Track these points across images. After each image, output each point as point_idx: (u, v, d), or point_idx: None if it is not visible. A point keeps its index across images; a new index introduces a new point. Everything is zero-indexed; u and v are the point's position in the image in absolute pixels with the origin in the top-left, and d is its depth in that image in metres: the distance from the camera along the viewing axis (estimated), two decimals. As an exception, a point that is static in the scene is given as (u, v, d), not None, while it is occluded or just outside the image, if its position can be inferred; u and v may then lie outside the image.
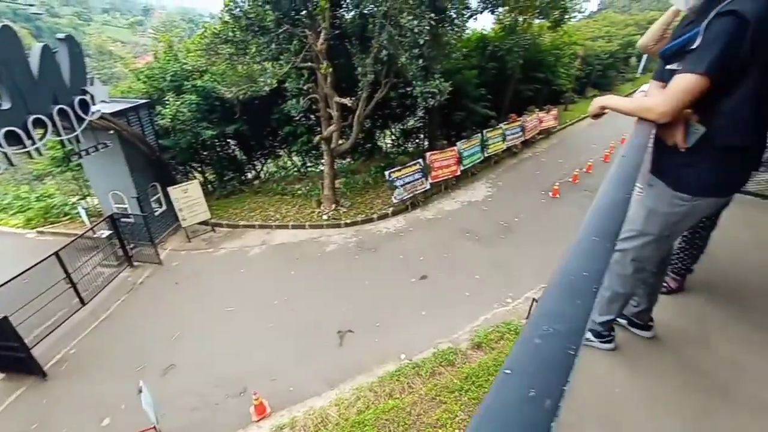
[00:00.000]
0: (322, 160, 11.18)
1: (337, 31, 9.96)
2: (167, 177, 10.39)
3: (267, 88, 8.58)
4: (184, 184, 10.02)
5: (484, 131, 12.60)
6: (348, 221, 10.33)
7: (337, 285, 7.98)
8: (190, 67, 11.13)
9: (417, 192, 10.83)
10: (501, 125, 13.38)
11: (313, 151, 13.48)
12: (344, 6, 10.56)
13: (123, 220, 8.88)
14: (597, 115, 1.52)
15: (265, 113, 12.38)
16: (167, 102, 10.11)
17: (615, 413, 1.61)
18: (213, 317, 7.28)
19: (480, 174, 12.96)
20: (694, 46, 1.17)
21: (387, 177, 10.24)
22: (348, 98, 9.06)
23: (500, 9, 15.04)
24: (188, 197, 9.83)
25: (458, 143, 11.72)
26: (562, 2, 14.63)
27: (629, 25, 27.82)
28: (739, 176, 1.36)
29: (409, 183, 10.58)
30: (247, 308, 7.47)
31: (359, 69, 8.95)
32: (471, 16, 13.67)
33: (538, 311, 0.43)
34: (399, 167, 10.52)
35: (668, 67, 1.30)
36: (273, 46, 8.63)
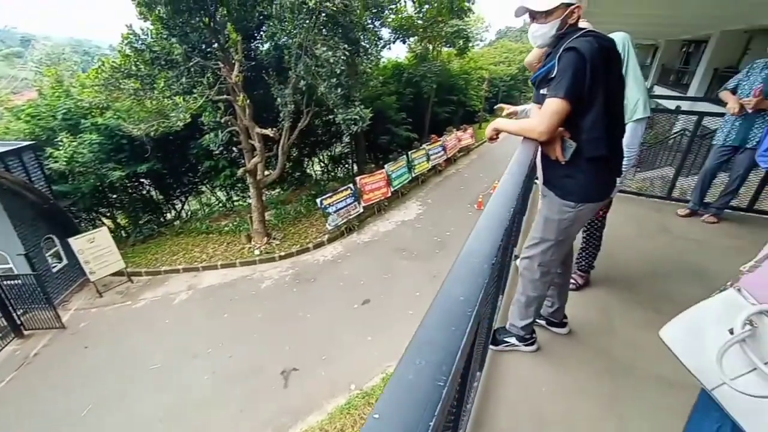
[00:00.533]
0: (249, 194, 10.73)
1: (252, 63, 9.83)
2: (67, 227, 9.15)
3: (180, 124, 8.09)
4: (89, 232, 8.88)
5: (409, 152, 13.19)
6: (282, 254, 9.95)
7: (277, 322, 7.56)
8: (87, 104, 10.11)
9: (351, 216, 10.85)
10: (424, 146, 14.12)
11: (239, 185, 12.91)
12: (258, 38, 10.52)
13: (7, 282, 7.54)
14: (492, 138, 1.68)
15: (182, 149, 11.63)
16: (60, 143, 9.01)
17: (544, 410, 1.71)
18: (136, 379, 6.40)
19: (410, 193, 13.44)
20: (553, 75, 1.37)
21: (319, 204, 10.14)
22: (270, 129, 8.90)
23: (411, 39, 16.17)
24: (96, 247, 8.71)
25: (386, 166, 12.08)
26: (465, 32, 16.18)
27: (523, 52, 31.64)
28: (608, 182, 1.59)
29: (342, 208, 10.57)
30: (177, 362, 6.71)
31: (279, 100, 8.88)
32: (384, 46, 14.49)
33: (413, 344, 0.44)
34: (330, 194, 10.49)
35: (541, 91, 1.49)
36: (184, 79, 8.23)
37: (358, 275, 8.85)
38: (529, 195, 1.94)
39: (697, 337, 0.83)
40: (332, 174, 15.72)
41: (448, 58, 18.15)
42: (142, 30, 8.05)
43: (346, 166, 16.04)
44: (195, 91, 8.46)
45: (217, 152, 10.81)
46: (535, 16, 1.45)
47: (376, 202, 11.79)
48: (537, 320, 2.07)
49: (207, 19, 8.27)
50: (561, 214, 1.59)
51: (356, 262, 9.47)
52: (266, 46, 10.81)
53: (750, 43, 12.17)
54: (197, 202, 14.23)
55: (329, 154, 15.48)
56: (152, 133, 8.43)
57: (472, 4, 15.40)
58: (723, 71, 11.89)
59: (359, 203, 11.04)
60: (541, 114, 1.41)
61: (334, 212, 10.33)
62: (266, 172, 10.58)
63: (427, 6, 14.93)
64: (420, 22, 15.07)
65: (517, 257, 2.02)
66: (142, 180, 12.03)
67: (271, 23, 8.90)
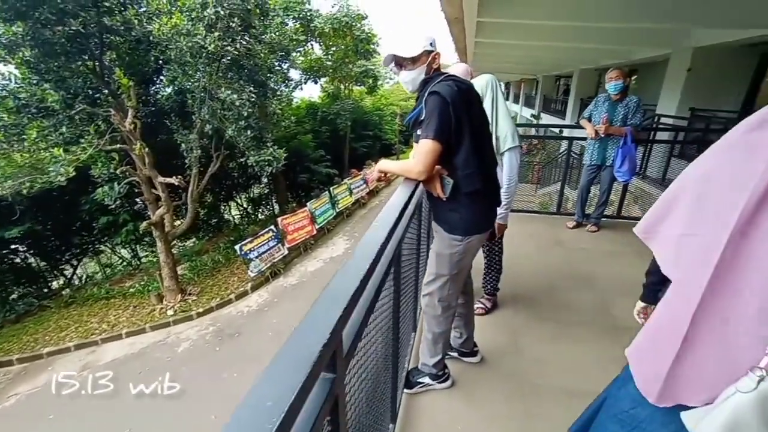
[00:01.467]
0: (158, 248, 9.68)
1: (152, 108, 9.19)
2: None
3: (62, 178, 7.10)
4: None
5: (331, 188, 13.19)
6: (200, 310, 9.01)
7: (199, 390, 6.68)
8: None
9: (275, 260, 10.34)
10: (345, 180, 14.27)
11: (146, 239, 11.62)
12: (159, 82, 9.93)
13: None
14: (380, 179, 1.71)
15: (71, 205, 10.19)
16: None
17: (463, 449, 1.68)
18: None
19: (336, 229, 13.32)
20: (422, 117, 1.44)
21: (239, 251, 9.50)
22: (175, 177, 8.24)
23: (323, 79, 16.63)
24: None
25: (308, 204, 11.89)
26: (373, 72, 17.14)
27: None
28: (489, 213, 1.69)
29: (264, 252, 10.03)
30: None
31: (183, 145, 8.34)
32: (296, 87, 14.66)
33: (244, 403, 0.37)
34: (250, 238, 9.92)
35: (417, 132, 1.56)
36: (64, 129, 7.32)
37: (289, 322, 8.33)
38: (423, 231, 1.98)
39: None
40: (253, 217, 15.01)
41: (360, 96, 19.00)
42: (3, 75, 7.07)
43: (268, 207, 15.47)
44: (82, 141, 7.55)
45: (113, 206, 9.67)
46: (403, 63, 1.54)
47: (302, 242, 11.44)
48: (449, 353, 2.09)
49: (91, 63, 7.58)
50: (451, 249, 1.64)
51: (285, 309, 8.95)
52: (168, 90, 10.23)
53: (601, 78, 14.82)
54: (96, 263, 12.43)
55: (248, 196, 14.82)
56: (25, 191, 7.24)
57: (377, 46, 16.48)
58: (586, 100, 14.26)
59: (283, 245, 10.60)
60: (417, 155, 1.48)
61: (256, 257, 9.76)
62: (177, 222, 9.70)
63: (334, 48, 15.61)
64: (329, 63, 15.65)
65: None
66: (13, 246, 10.17)
67: (171, 68, 8.48)
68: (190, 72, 8.06)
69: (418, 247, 2.02)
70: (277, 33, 10.02)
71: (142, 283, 10.20)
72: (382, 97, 21.47)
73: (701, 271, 0.76)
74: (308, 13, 12.74)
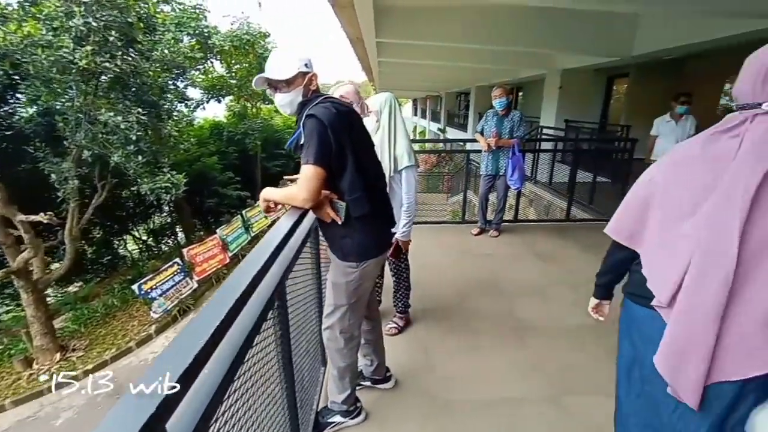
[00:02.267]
0: (23, 301, 7.98)
1: (7, 132, 7.68)
2: None
3: None
4: None
5: (244, 211, 12.38)
6: (90, 367, 7.61)
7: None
8: None
9: (184, 295, 9.26)
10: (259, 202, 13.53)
11: (6, 291, 9.56)
12: (13, 101, 8.37)
13: None
14: (269, 210, 1.56)
15: None
16: None
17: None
18: None
19: (253, 254, 12.48)
20: (302, 142, 1.34)
21: (137, 291, 8.29)
22: (44, 213, 6.94)
23: (227, 98, 15.74)
24: None
25: (218, 230, 10.97)
26: (281, 91, 16.73)
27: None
28: (383, 235, 1.64)
29: (170, 289, 8.92)
30: None
31: (54, 176, 7.10)
32: (197, 107, 13.63)
33: None
34: (152, 275, 8.75)
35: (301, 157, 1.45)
36: None
37: (201, 365, 7.45)
38: (317, 260, 1.86)
39: None
40: (155, 250, 13.36)
41: (270, 115, 18.38)
42: None
43: (172, 238, 13.94)
44: None
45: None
46: (278, 86, 1.43)
47: (214, 272, 10.45)
48: (361, 383, 1.98)
49: None
50: (346, 277, 1.55)
51: (196, 350, 8.00)
52: (30, 111, 8.68)
53: (459, 98, 16.57)
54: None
55: (147, 227, 13.18)
56: None
57: (283, 64, 16.10)
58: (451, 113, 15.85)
59: (192, 278, 9.57)
60: (300, 181, 1.37)
61: (160, 296, 8.62)
62: (55, 265, 8.15)
63: (237, 66, 14.91)
64: (233, 81, 14.89)
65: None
66: None
67: (32, 84, 7.20)
68: (58, 90, 6.95)
69: (319, 278, 1.89)
70: (169, 50, 9.21)
71: (0, 347, 8.30)
72: (293, 114, 21.12)
73: (720, 266, 0.86)
74: (205, 30, 11.97)
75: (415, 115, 36.96)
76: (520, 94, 14.84)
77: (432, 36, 5.93)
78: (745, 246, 0.84)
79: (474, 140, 4.15)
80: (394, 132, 2.22)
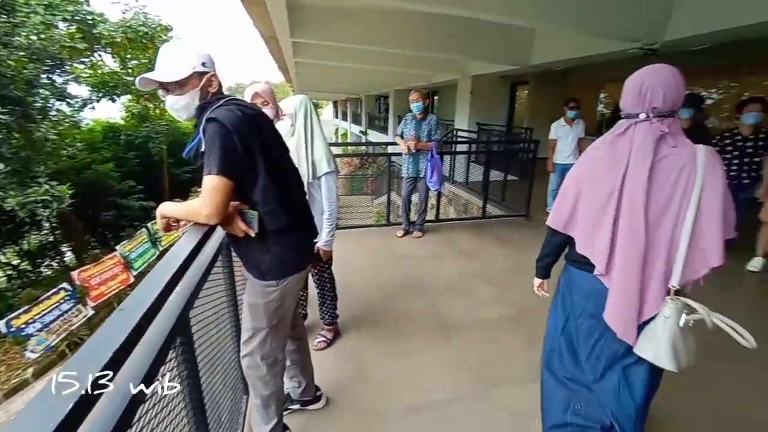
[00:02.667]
0: None
1: None
2: None
3: None
4: None
5: (149, 224, 11.03)
6: (-59, 430, 6.07)
7: None
8: None
9: (74, 327, 7.90)
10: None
11: None
12: None
13: None
14: (169, 228, 1.36)
15: None
16: None
17: None
18: None
19: (162, 271, 11.19)
20: (203, 149, 1.18)
21: (4, 329, 6.85)
22: None
23: (124, 97, 13.96)
24: None
25: (118, 247, 9.61)
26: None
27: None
28: (305, 247, 1.53)
29: (54, 321, 7.54)
30: None
31: None
32: (84, 106, 11.84)
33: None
34: (26, 307, 7.31)
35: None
36: None
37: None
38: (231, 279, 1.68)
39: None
40: (32, 276, 11.22)
41: (177, 116, 16.74)
42: None
43: (58, 259, 11.85)
44: None
45: None
46: (168, 88, 1.24)
47: (115, 295, 9.12)
48: (289, 407, 1.84)
49: None
50: (265, 297, 1.40)
51: (95, 388, 6.88)
52: None
53: (379, 101, 17.21)
54: None
55: (19, 250, 11.01)
56: None
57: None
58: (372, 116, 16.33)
59: (85, 304, 8.22)
60: (203, 194, 1.19)
61: (40, 331, 7.24)
62: None
63: (135, 62, 13.26)
64: (130, 78, 13.20)
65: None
66: None
67: None
68: None
69: (234, 300, 1.70)
70: (38, 36, 7.77)
71: None
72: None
73: (635, 241, 1.18)
74: (88, 16, 10.39)
75: (336, 117, 36.82)
76: (436, 97, 15.60)
77: (348, 38, 5.90)
78: (647, 221, 1.17)
79: (395, 143, 4.20)
80: (311, 136, 2.10)
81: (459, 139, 9.07)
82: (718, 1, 3.78)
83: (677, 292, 1.17)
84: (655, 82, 1.18)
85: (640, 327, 1.23)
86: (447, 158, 7.36)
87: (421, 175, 4.07)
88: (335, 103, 38.28)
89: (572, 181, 1.33)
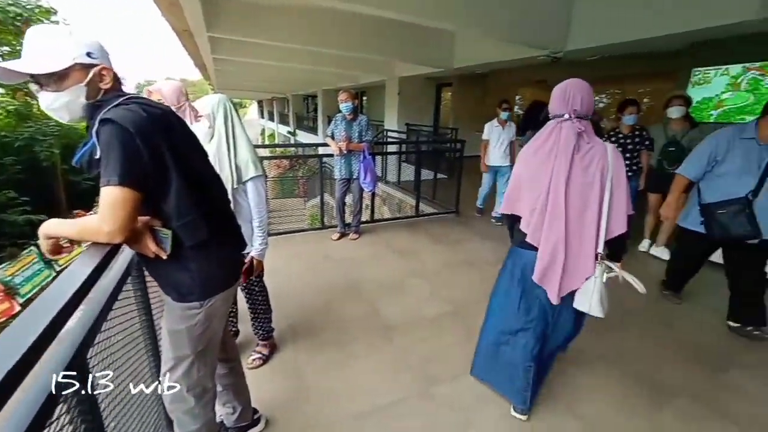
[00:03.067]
0: None
1: None
2: None
3: None
4: None
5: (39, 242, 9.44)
6: None
7: None
8: None
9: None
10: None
11: None
12: None
13: None
14: (58, 250, 1.13)
15: None
16: None
17: None
18: None
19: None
20: (98, 156, 0.99)
21: None
22: None
23: (-5, 91, 11.82)
24: None
25: (-3, 271, 8.08)
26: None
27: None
28: (232, 260, 1.38)
29: None
30: None
31: None
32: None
33: None
34: None
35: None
36: None
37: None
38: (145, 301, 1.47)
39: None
40: None
41: (71, 114, 14.58)
42: None
43: None
44: None
45: None
46: (41, 82, 1.02)
47: (-4, 329, 7.66)
48: (224, 439, 1.67)
49: None
50: (187, 321, 1.24)
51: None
52: None
53: (306, 101, 17.16)
54: None
55: None
56: None
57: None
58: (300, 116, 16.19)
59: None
60: (101, 209, 1.01)
61: None
62: None
63: (6, 48, 11.24)
64: (2, 69, 11.14)
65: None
66: None
67: None
68: None
69: (151, 328, 1.48)
70: None
71: None
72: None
73: (556, 225, 1.50)
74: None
75: (262, 117, 35.24)
76: (365, 98, 15.69)
77: (272, 35, 5.62)
78: (570, 207, 1.49)
79: (326, 144, 4.10)
80: (233, 139, 1.93)
81: (389, 140, 9.21)
82: (601, 21, 4.43)
83: (601, 257, 1.52)
84: (575, 89, 1.50)
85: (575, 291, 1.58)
86: (379, 159, 7.43)
87: (354, 177, 4.03)
88: (260, 103, 36.61)
89: (515, 176, 1.65)
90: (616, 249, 1.61)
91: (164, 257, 1.15)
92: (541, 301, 1.67)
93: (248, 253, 1.97)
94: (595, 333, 2.37)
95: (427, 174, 5.93)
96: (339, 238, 4.27)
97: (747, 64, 4.71)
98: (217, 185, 1.34)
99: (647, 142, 3.71)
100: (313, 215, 10.47)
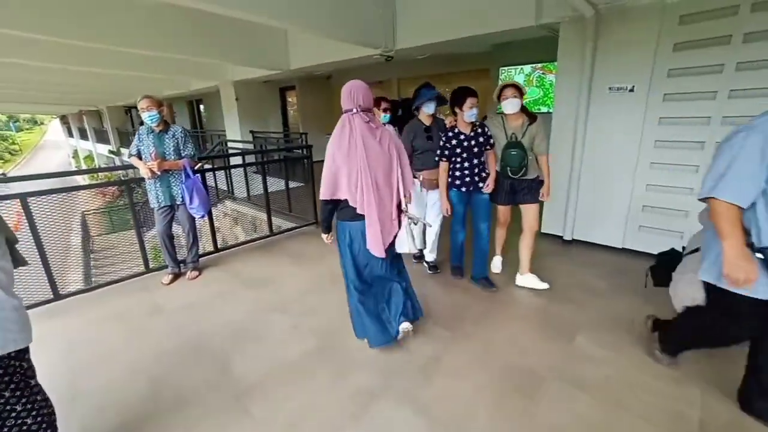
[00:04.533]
0: None
1: None
2: None
3: None
4: None
5: None
6: None
7: None
8: None
9: None
10: None
11: None
12: None
13: None
14: None
15: None
16: None
17: None
18: None
19: None
20: None
21: None
22: None
23: None
24: None
25: None
26: None
27: None
28: None
29: None
30: None
31: None
32: None
33: None
34: None
35: None
36: None
37: None
38: None
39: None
40: None
41: None
42: None
43: None
44: None
45: None
46: None
47: None
48: None
49: None
50: None
51: None
52: None
53: (171, 108, 14.98)
54: None
55: None
56: None
57: None
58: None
59: None
60: None
61: None
62: None
63: None
64: None
65: None
66: None
67: None
68: None
69: None
70: None
71: None
72: None
73: (369, 194, 1.99)
74: None
75: (71, 135, 28.31)
76: (202, 107, 13.92)
77: (50, 29, 4.11)
78: (377, 180, 2.01)
79: (132, 166, 3.17)
80: None
81: (231, 151, 8.21)
82: (424, 23, 4.67)
83: (404, 212, 2.18)
84: (358, 89, 2.01)
85: (392, 244, 2.15)
86: (221, 174, 6.50)
87: (179, 202, 3.23)
88: (64, 118, 29.34)
89: (329, 164, 2.01)
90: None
91: None
92: (369, 253, 2.14)
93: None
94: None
95: (279, 185, 5.37)
96: (172, 281, 3.39)
97: (535, 64, 5.66)
98: None
99: (492, 141, 2.86)
100: (156, 248, 8.65)
